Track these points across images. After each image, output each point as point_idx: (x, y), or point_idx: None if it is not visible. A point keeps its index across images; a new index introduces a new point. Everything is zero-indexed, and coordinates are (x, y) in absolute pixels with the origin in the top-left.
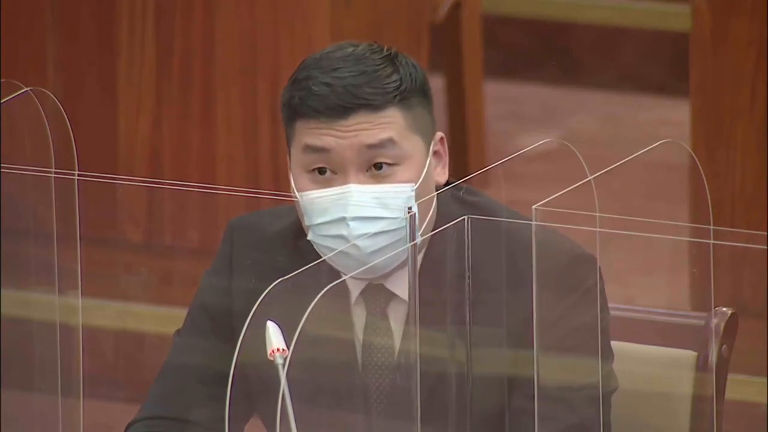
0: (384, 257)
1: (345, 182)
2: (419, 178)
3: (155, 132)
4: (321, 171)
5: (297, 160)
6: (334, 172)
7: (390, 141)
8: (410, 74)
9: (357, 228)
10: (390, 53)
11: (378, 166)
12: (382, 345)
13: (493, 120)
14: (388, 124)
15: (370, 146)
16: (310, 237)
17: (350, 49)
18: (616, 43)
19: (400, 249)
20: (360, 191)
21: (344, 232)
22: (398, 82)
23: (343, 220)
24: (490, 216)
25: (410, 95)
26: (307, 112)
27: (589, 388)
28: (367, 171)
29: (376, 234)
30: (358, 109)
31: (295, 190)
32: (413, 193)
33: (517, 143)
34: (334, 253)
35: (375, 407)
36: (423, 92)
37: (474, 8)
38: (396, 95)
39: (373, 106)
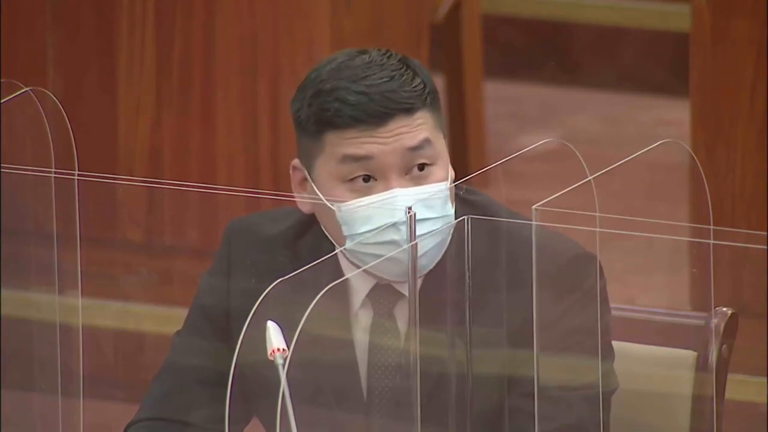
0: (384, 257)
1: (387, 188)
2: (449, 176)
3: (155, 132)
4: (364, 179)
5: (331, 171)
6: (374, 178)
7: (427, 141)
8: (426, 76)
9: (405, 233)
10: (401, 57)
11: (420, 167)
12: (389, 346)
13: (493, 120)
14: (422, 125)
15: (411, 148)
16: (349, 247)
17: (365, 57)
18: (616, 43)
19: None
20: (406, 195)
21: (396, 237)
22: (422, 85)
23: (393, 225)
24: (490, 215)
25: (433, 96)
26: (344, 122)
27: (588, 388)
28: (406, 174)
29: (425, 235)
30: (397, 114)
31: (327, 202)
32: (449, 191)
33: (517, 143)
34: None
35: (380, 408)
36: (437, 92)
37: (474, 8)
38: (425, 97)
39: (410, 109)
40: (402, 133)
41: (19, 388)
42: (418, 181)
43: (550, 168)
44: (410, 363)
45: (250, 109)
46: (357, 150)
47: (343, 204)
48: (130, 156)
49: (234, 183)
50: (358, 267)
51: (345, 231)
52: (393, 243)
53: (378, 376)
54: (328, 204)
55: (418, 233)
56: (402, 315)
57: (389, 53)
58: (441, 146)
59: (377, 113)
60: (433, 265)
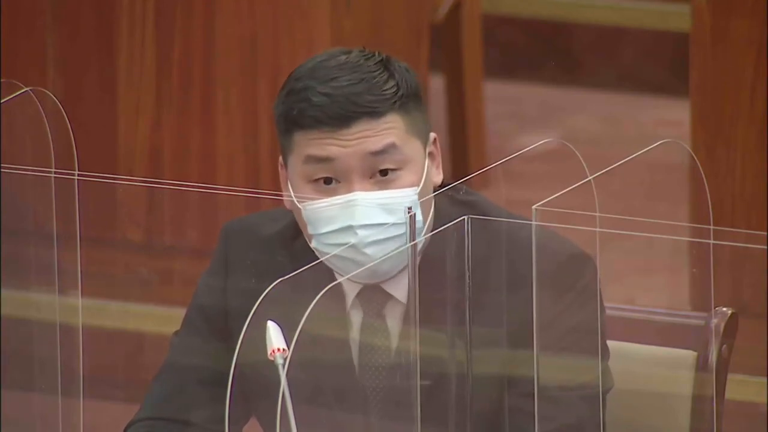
0: (384, 256)
1: (349, 190)
2: (421, 182)
3: (155, 132)
4: (325, 181)
5: (297, 170)
6: (337, 180)
7: (393, 146)
8: (405, 79)
9: (366, 236)
10: (382, 58)
11: (383, 172)
12: (379, 346)
13: (493, 120)
14: (389, 130)
15: (374, 153)
16: (314, 245)
17: (343, 57)
18: (616, 43)
19: (402, 247)
20: (366, 199)
21: (353, 240)
22: (395, 88)
23: (350, 228)
24: (487, 216)
25: (408, 100)
26: (307, 122)
27: (584, 388)
28: (371, 178)
29: (384, 240)
30: (360, 117)
31: (295, 200)
32: (416, 197)
33: (517, 143)
34: (336, 255)
35: (372, 408)
36: (417, 96)
37: (474, 8)
38: (395, 101)
39: (374, 113)
40: (366, 137)
41: (19, 388)
42: (382, 185)
43: (550, 168)
44: (410, 363)
45: (250, 109)
46: (319, 151)
47: (307, 203)
48: (130, 156)
49: (234, 183)
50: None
51: (309, 230)
52: (351, 246)
53: (368, 376)
54: (296, 202)
55: (374, 239)
56: (392, 315)
57: (371, 54)
58: (412, 151)
59: (338, 115)
60: (396, 272)
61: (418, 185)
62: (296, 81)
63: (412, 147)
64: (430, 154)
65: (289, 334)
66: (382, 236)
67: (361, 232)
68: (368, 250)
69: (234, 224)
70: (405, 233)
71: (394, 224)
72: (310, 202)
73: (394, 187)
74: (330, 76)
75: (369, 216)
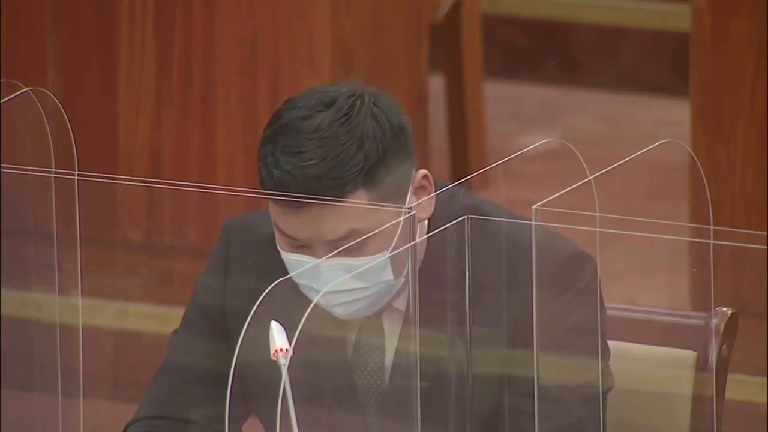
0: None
1: (313, 255)
2: (393, 241)
3: (155, 132)
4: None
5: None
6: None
7: (353, 231)
8: (377, 146)
9: (331, 299)
10: (359, 119)
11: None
12: (377, 347)
13: (493, 120)
14: (350, 214)
15: (332, 240)
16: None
17: (318, 119)
18: (616, 43)
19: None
20: (331, 266)
21: (319, 301)
22: (362, 162)
23: (315, 290)
24: (486, 216)
25: (379, 166)
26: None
27: (584, 387)
28: (335, 243)
29: (352, 302)
30: (317, 202)
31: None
32: (388, 260)
33: (517, 143)
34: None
35: (371, 408)
36: (395, 144)
37: (474, 8)
38: (360, 177)
39: (334, 197)
40: (323, 222)
41: (19, 388)
42: (349, 252)
43: (550, 168)
44: (407, 363)
45: (250, 109)
46: (279, 220)
47: (280, 249)
48: (130, 156)
49: (234, 183)
50: None
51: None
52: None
53: (367, 378)
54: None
55: (345, 300)
56: (390, 320)
57: (348, 114)
58: (379, 222)
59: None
60: (377, 307)
61: (389, 247)
62: (267, 139)
63: (380, 218)
64: (421, 188)
65: (287, 334)
66: (348, 299)
67: (327, 296)
68: (336, 311)
69: (235, 222)
70: (373, 293)
71: (360, 288)
72: (282, 252)
73: (360, 254)
74: (296, 148)
75: (334, 282)
